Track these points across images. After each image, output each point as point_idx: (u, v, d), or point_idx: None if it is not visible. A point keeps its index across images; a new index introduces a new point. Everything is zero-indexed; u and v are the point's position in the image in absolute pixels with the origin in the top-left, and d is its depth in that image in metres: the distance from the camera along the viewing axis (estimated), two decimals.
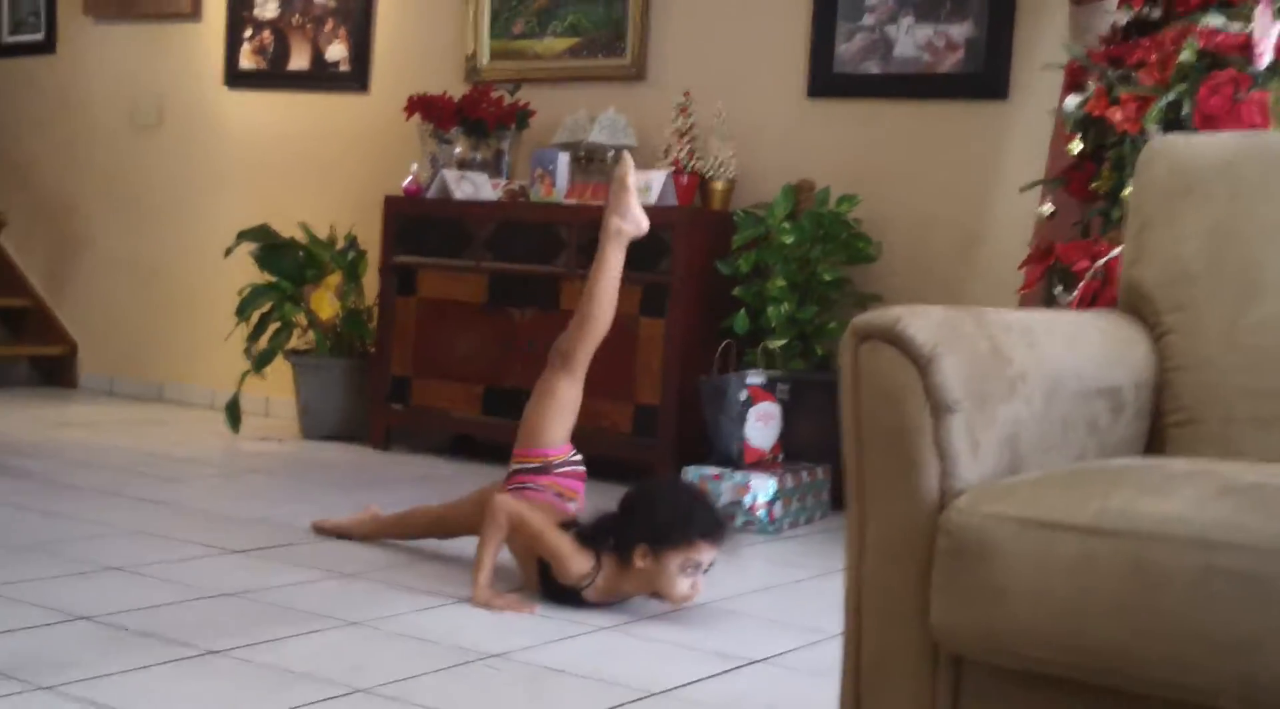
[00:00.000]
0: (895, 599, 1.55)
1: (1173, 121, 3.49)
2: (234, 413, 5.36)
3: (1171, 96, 3.45)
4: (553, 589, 3.06)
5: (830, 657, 2.74)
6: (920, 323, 1.54)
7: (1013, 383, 1.61)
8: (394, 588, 3.13)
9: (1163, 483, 1.43)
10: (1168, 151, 2.09)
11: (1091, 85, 3.62)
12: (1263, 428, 1.86)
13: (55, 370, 6.79)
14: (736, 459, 4.21)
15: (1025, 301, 3.95)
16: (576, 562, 3.00)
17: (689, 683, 2.53)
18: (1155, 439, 1.96)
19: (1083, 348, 1.80)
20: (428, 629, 2.79)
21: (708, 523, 3.00)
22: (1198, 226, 2.00)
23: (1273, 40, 3.35)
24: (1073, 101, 3.67)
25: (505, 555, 3.19)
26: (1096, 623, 1.38)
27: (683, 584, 2.96)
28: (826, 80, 4.85)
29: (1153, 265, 2.01)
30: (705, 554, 2.97)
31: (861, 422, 1.57)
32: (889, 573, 1.55)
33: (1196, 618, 1.34)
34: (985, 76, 4.59)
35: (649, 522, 2.98)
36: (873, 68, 4.79)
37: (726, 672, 2.62)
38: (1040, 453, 1.67)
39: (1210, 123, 3.41)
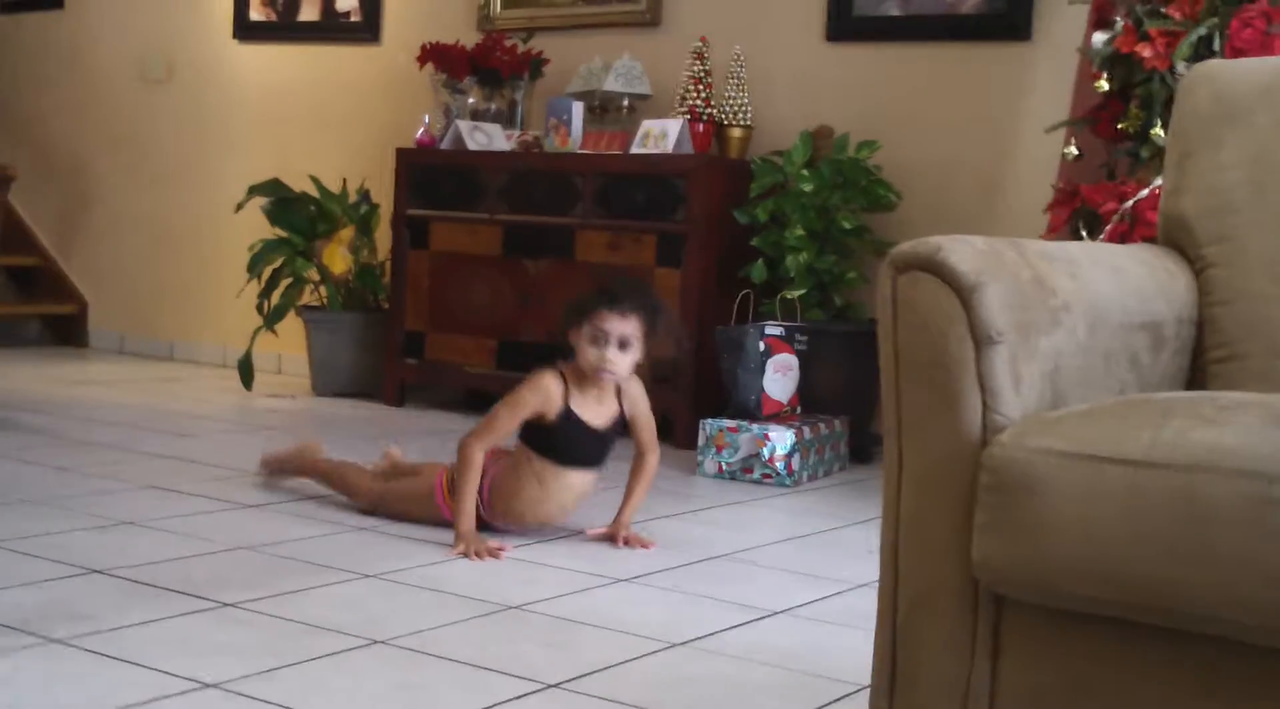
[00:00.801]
0: (934, 537, 1.48)
1: (1203, 57, 3.39)
2: (246, 370, 5.31)
3: (1202, 31, 3.37)
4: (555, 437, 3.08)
5: (850, 607, 2.70)
6: (962, 251, 1.47)
7: (1056, 314, 1.54)
8: (411, 541, 3.08)
9: (1216, 414, 1.36)
10: (1209, 78, 2.01)
11: (1119, 21, 3.53)
12: None
13: (66, 329, 6.74)
14: (754, 411, 4.15)
15: None
16: (547, 383, 3.06)
17: (710, 634, 2.48)
18: (1196, 375, 1.89)
19: (1126, 280, 1.73)
20: (446, 581, 2.74)
21: (609, 293, 3.06)
22: (1240, 155, 1.92)
23: None
24: (1100, 38, 3.58)
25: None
26: (1146, 558, 1.32)
27: (591, 353, 3.04)
28: (845, 23, 4.77)
29: (1194, 196, 1.94)
30: (610, 323, 3.02)
31: (900, 355, 1.51)
32: (928, 510, 1.49)
33: (1251, 552, 1.28)
34: (1008, 16, 4.50)
35: (567, 307, 3.12)
36: (892, 9, 4.70)
37: (747, 623, 2.57)
38: (1081, 387, 1.60)
39: (1241, 57, 3.32)
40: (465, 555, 2.95)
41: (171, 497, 3.39)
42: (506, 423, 3.09)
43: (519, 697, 2.09)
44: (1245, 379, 1.83)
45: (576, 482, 3.17)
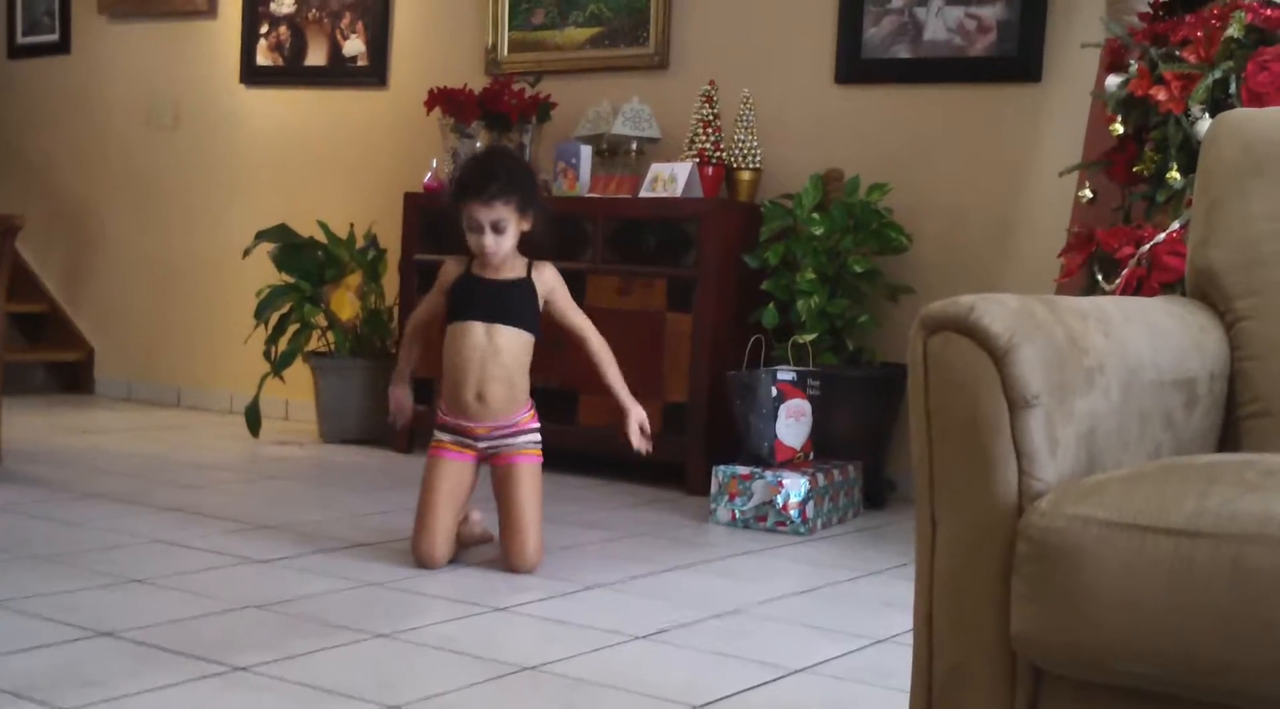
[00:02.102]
0: (970, 607, 1.44)
1: (1219, 100, 3.37)
2: (254, 417, 5.27)
3: (1217, 74, 3.34)
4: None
5: (871, 665, 2.65)
6: (995, 312, 1.43)
7: (1090, 374, 1.50)
8: (423, 596, 3.03)
9: (1262, 480, 1.32)
10: (1236, 128, 1.97)
11: (1134, 64, 3.50)
12: None
13: (72, 375, 6.71)
14: (767, 457, 4.11)
15: (1064, 290, 3.83)
16: (449, 263, 3.40)
17: (732, 694, 2.43)
18: (1229, 432, 1.85)
19: (1159, 336, 1.69)
20: (460, 640, 2.69)
21: (470, 185, 3.27)
22: (1270, 207, 1.89)
23: None
24: (1114, 81, 3.55)
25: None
26: (1194, 634, 1.28)
27: (471, 240, 3.28)
28: (854, 65, 4.75)
29: (1223, 248, 1.90)
30: (479, 212, 3.24)
31: (932, 417, 1.47)
32: (963, 579, 1.45)
33: None
34: (1018, 59, 4.48)
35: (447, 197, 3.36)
36: (902, 52, 4.68)
37: (770, 682, 2.52)
38: (1116, 449, 1.56)
39: (1258, 100, 3.29)
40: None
41: (180, 552, 3.34)
42: (427, 303, 3.46)
43: None
44: (1279, 435, 1.79)
45: (479, 334, 3.29)
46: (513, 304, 3.33)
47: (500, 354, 3.30)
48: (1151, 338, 1.67)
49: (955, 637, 1.45)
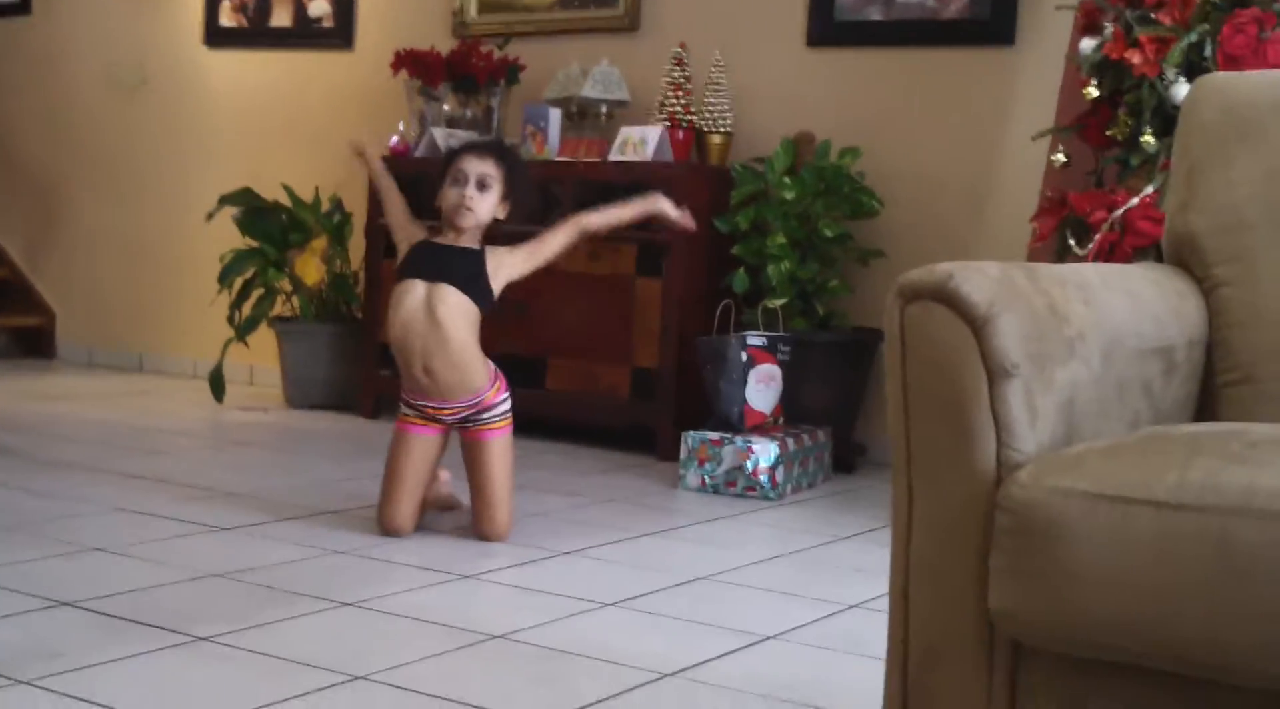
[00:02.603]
0: (947, 581, 1.41)
1: (1194, 63, 3.35)
2: (218, 382, 5.21)
3: (1193, 37, 3.31)
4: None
5: (844, 631, 2.63)
6: (975, 280, 1.40)
7: (1071, 343, 1.47)
8: (390, 565, 3.00)
9: (1246, 451, 1.30)
10: (1218, 91, 1.94)
11: (1108, 27, 3.47)
12: None
13: (34, 341, 6.63)
14: (737, 423, 4.08)
15: (1036, 255, 3.81)
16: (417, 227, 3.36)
17: (702, 662, 2.40)
18: (1207, 400, 1.83)
19: (1139, 304, 1.66)
20: (428, 609, 2.66)
21: (470, 143, 3.36)
22: (1253, 171, 1.86)
23: None
24: (1089, 44, 3.52)
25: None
26: (1178, 607, 1.25)
27: (451, 193, 3.21)
28: (827, 28, 4.70)
29: (1204, 213, 1.88)
30: (469, 163, 3.21)
31: (909, 388, 1.43)
32: (940, 553, 1.42)
33: None
34: (991, 22, 4.44)
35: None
36: (875, 14, 4.63)
37: (739, 649, 2.50)
38: (1095, 419, 1.54)
39: (1234, 63, 3.26)
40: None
41: (142, 520, 3.29)
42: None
43: None
44: (1260, 404, 1.77)
45: (419, 292, 3.19)
46: (459, 267, 3.21)
47: (438, 317, 3.17)
48: (1131, 305, 1.65)
49: (932, 611, 1.43)
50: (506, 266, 3.27)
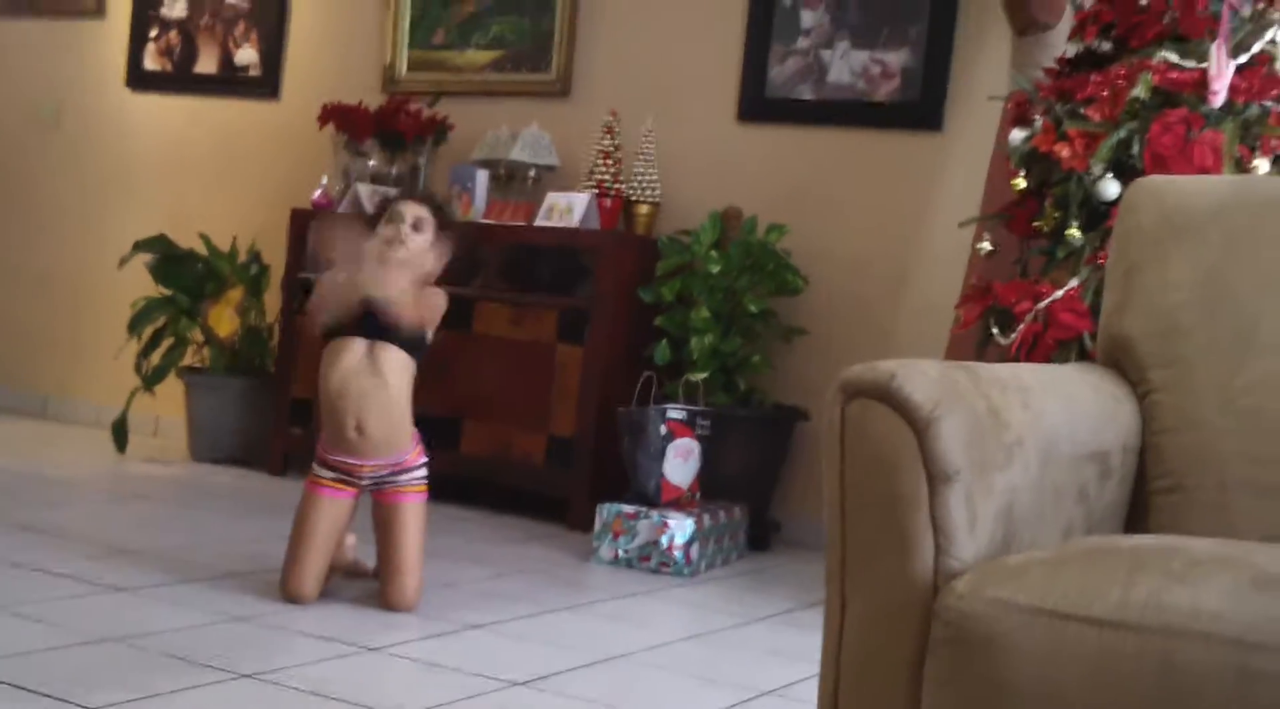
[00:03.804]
0: (880, 691, 1.37)
1: (1122, 160, 3.37)
2: (121, 432, 5.08)
3: (1121, 133, 3.34)
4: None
5: None
6: (918, 380, 1.37)
7: (1010, 448, 1.45)
8: (292, 633, 2.90)
9: (1188, 570, 1.27)
10: (1154, 194, 1.94)
11: (1038, 120, 3.50)
12: (1260, 496, 1.71)
13: None
14: (653, 497, 4.03)
15: (959, 342, 3.81)
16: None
17: None
18: (1137, 506, 1.81)
19: (1076, 408, 1.64)
20: (330, 683, 2.56)
21: (407, 195, 3.42)
22: (1189, 275, 1.86)
23: (1227, 79, 3.25)
24: (1019, 136, 3.54)
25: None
26: None
27: (386, 230, 3.20)
28: (758, 104, 4.71)
29: (1139, 316, 1.87)
30: (406, 207, 3.22)
31: (846, 489, 1.39)
32: (872, 659, 1.38)
33: None
34: (921, 106, 4.47)
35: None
36: (806, 93, 4.65)
37: None
38: (1031, 525, 1.51)
39: (1160, 163, 3.29)
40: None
41: (35, 577, 3.17)
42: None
43: None
44: (1190, 512, 1.75)
45: (358, 351, 3.14)
46: (389, 330, 3.15)
47: (381, 377, 3.13)
48: (1068, 409, 1.63)
49: None
50: (432, 306, 3.23)
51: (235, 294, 5.11)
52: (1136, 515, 1.80)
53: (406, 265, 3.18)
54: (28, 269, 6.18)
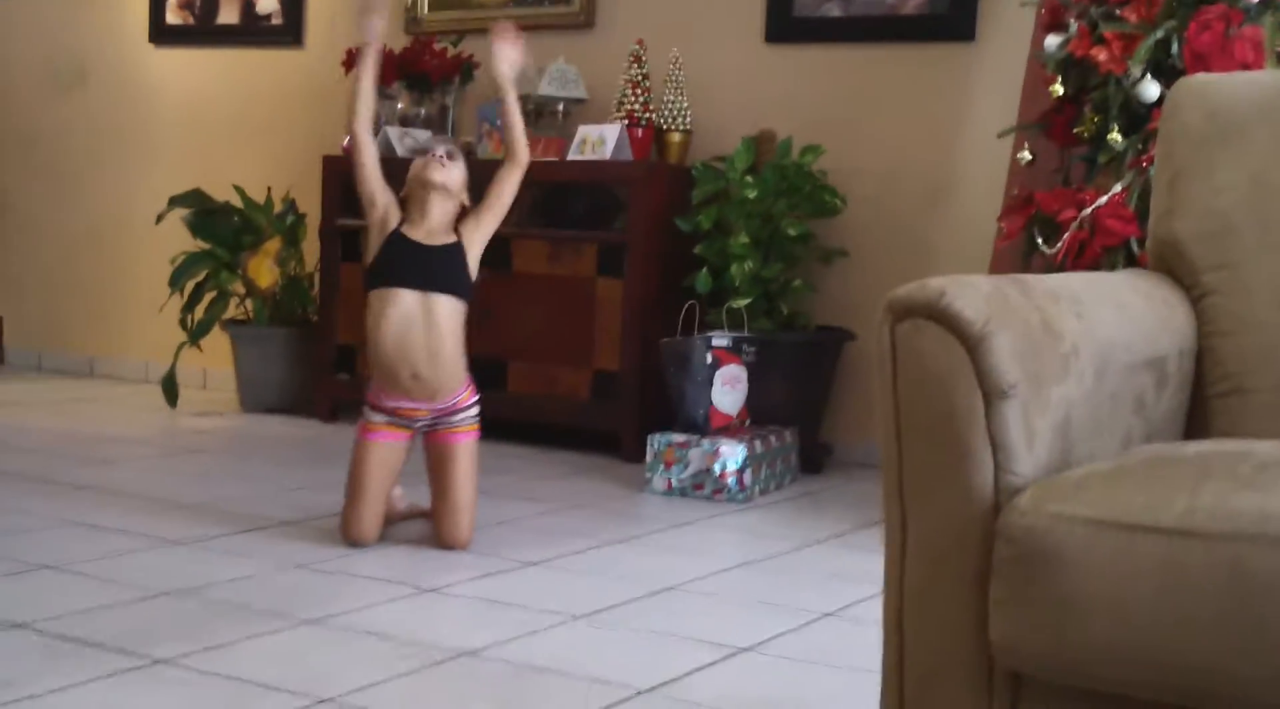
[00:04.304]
0: (944, 611, 1.36)
1: (1161, 61, 3.32)
2: (170, 387, 5.11)
3: (1159, 34, 3.28)
4: None
5: (820, 643, 2.59)
6: (968, 296, 1.35)
7: (1066, 360, 1.42)
8: (351, 578, 2.92)
9: (1256, 475, 1.25)
10: (1199, 94, 1.90)
11: (1073, 24, 3.44)
12: None
13: None
14: (703, 425, 4.02)
15: (1003, 254, 3.77)
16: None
17: (677, 677, 2.35)
18: (1196, 411, 1.79)
19: (1129, 316, 1.61)
20: (392, 625, 2.58)
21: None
22: (1237, 176, 1.82)
23: None
24: (1054, 42, 3.48)
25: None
26: (1188, 639, 1.20)
27: (418, 164, 3.21)
28: (785, 24, 4.65)
29: (1189, 219, 1.83)
30: (438, 143, 3.24)
31: (900, 411, 1.38)
32: (936, 580, 1.36)
33: None
34: (951, 17, 4.40)
35: None
36: (834, 10, 4.58)
37: (715, 663, 2.44)
38: (1089, 437, 1.49)
39: (1201, 61, 3.23)
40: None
41: (94, 534, 3.20)
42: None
43: None
44: (1250, 414, 1.73)
45: (412, 304, 3.12)
46: (447, 269, 3.16)
47: (436, 327, 3.12)
48: (1122, 317, 1.60)
49: (928, 640, 1.37)
50: (478, 239, 3.25)
51: (273, 245, 5.11)
52: (1195, 422, 1.78)
53: (449, 194, 3.20)
54: (64, 231, 6.20)
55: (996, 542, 1.30)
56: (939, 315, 1.35)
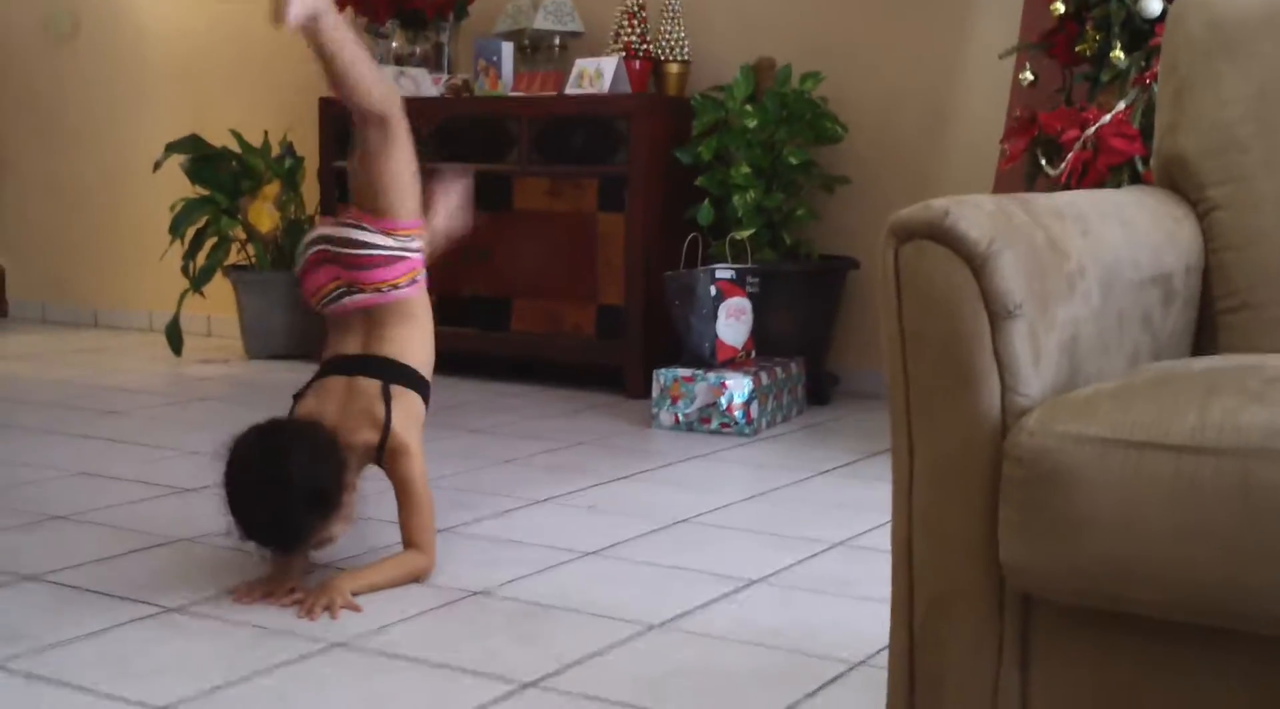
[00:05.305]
0: (953, 533, 1.35)
1: None
2: (175, 335, 5.10)
3: None
4: None
5: (829, 572, 2.59)
6: (972, 216, 1.33)
7: (1071, 279, 1.41)
8: (361, 521, 2.91)
9: (1265, 388, 1.23)
10: (1202, 6, 1.87)
11: None
12: None
13: None
14: (709, 358, 4.01)
15: (1006, 176, 3.74)
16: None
17: (688, 611, 2.35)
18: (1204, 327, 1.77)
19: (1135, 232, 1.60)
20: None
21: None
22: (1244, 89, 1.79)
23: None
24: None
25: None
26: (1197, 552, 1.20)
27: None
28: None
29: (1194, 134, 1.81)
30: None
31: (906, 333, 1.36)
32: (944, 502, 1.36)
33: None
34: None
35: None
36: None
37: (725, 596, 2.44)
38: (1096, 356, 1.47)
39: None
40: None
41: (104, 484, 3.20)
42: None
43: (496, 700, 1.95)
44: (1259, 330, 1.71)
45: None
46: None
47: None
48: (1127, 234, 1.58)
49: (938, 563, 1.37)
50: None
51: (272, 189, 5.08)
52: (1203, 338, 1.76)
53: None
54: (62, 181, 6.17)
55: (1005, 462, 1.29)
56: (943, 236, 1.33)
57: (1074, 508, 1.24)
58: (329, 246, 2.58)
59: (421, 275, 2.65)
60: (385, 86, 2.63)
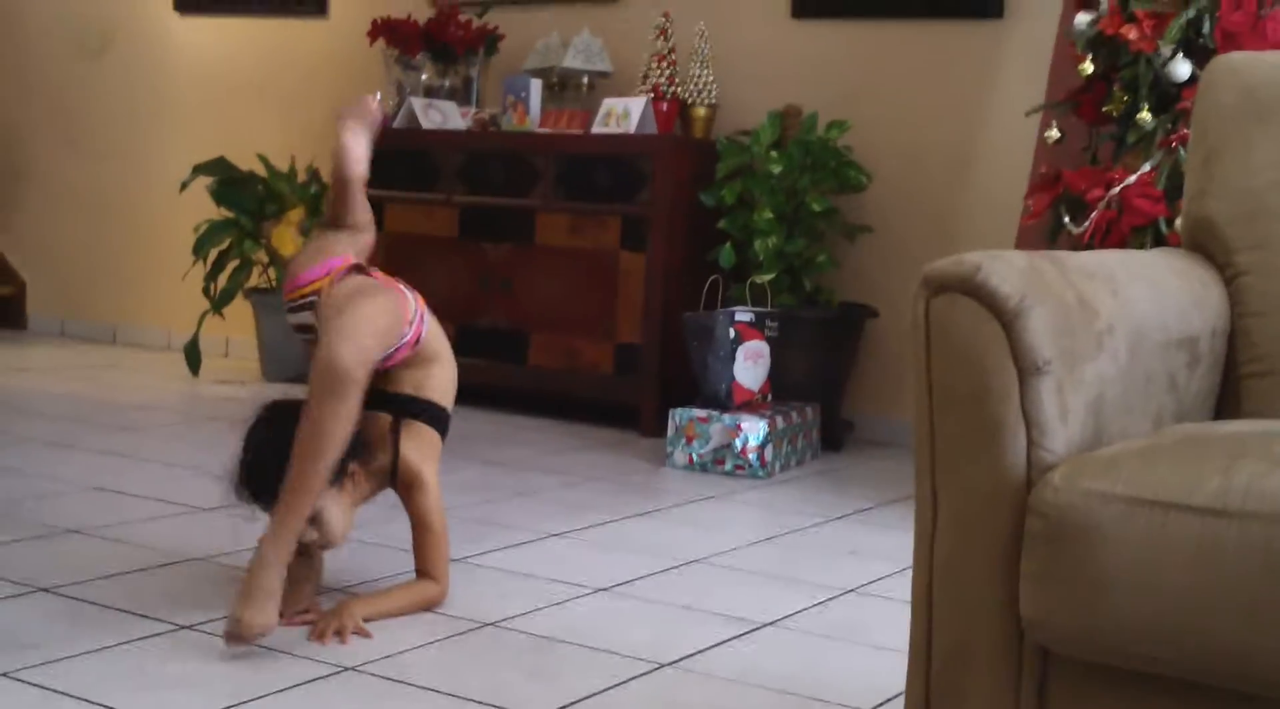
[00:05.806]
0: (974, 585, 1.36)
1: (1191, 40, 3.29)
2: (194, 355, 5.13)
3: (1191, 13, 3.26)
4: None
5: (841, 618, 2.59)
6: (1004, 271, 1.34)
7: (1100, 337, 1.42)
8: (375, 547, 2.93)
9: None
10: (1234, 71, 1.89)
11: (1104, 2, 3.41)
12: None
13: (3, 311, 6.50)
14: (725, 400, 4.02)
15: (1029, 232, 3.76)
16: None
17: (698, 651, 2.36)
18: (1228, 392, 1.78)
19: (1163, 294, 1.61)
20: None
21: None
22: (1274, 156, 1.81)
23: None
24: (1084, 19, 3.46)
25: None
26: (1218, 616, 1.20)
27: None
28: None
29: (1223, 199, 1.82)
30: None
31: (934, 385, 1.38)
32: (967, 555, 1.36)
33: None
34: None
35: None
36: None
37: (736, 637, 2.45)
38: (1122, 415, 1.49)
39: (1232, 40, 3.21)
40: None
41: (119, 500, 3.22)
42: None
43: None
44: None
45: None
46: None
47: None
48: (1156, 296, 1.59)
49: (958, 614, 1.37)
50: None
51: (296, 214, 5.12)
52: (1226, 402, 1.77)
53: None
54: (88, 198, 6.22)
55: (1029, 517, 1.30)
56: (975, 290, 1.34)
57: (1096, 565, 1.25)
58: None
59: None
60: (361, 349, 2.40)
